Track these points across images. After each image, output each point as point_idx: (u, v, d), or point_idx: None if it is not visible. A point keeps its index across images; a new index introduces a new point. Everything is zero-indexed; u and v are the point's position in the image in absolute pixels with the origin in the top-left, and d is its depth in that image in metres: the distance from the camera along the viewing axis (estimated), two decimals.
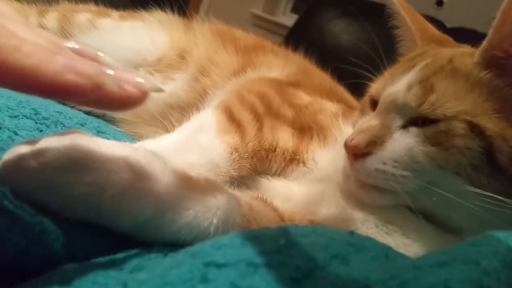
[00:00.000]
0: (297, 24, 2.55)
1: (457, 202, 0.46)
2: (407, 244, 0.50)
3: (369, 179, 0.51)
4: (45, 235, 0.30)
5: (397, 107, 0.52)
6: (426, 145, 0.48)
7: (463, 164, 0.47)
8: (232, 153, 0.54)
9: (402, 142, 0.50)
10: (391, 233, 0.51)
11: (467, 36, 0.68)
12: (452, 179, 0.47)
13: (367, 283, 0.24)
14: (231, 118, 0.59)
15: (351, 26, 2.36)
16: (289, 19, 3.28)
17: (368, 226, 0.52)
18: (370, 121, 0.54)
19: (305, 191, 0.59)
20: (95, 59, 0.33)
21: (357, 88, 0.88)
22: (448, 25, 1.67)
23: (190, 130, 0.56)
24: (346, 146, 0.52)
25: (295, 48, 0.97)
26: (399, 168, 0.49)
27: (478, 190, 0.46)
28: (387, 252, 0.35)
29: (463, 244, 0.32)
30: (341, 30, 2.37)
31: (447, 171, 0.47)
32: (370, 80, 0.66)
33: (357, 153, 0.51)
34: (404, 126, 0.51)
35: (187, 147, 0.49)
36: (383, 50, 0.76)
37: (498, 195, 0.45)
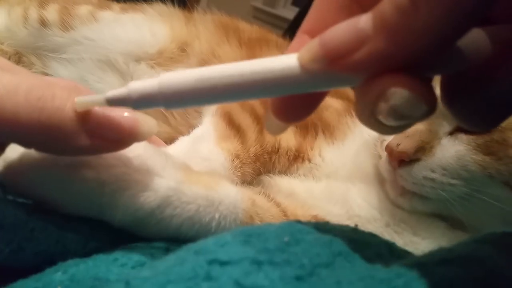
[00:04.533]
0: (297, 17, 2.53)
1: (499, 210, 0.46)
2: (415, 242, 0.49)
3: (414, 187, 0.49)
4: (37, 231, 0.30)
5: (445, 113, 0.49)
6: (478, 153, 0.47)
7: None
8: (233, 160, 0.52)
9: (452, 149, 0.48)
10: (400, 232, 0.50)
11: None
12: (499, 188, 0.46)
13: (373, 281, 0.24)
14: (231, 123, 0.57)
15: None
16: (289, 12, 3.27)
17: (376, 225, 0.51)
18: (415, 125, 0.51)
19: (309, 186, 0.58)
20: None
21: None
22: None
23: (191, 141, 0.54)
24: (391, 151, 0.50)
25: None
26: (448, 176, 0.47)
27: None
28: (390, 249, 0.35)
29: (468, 241, 0.32)
30: None
31: (496, 180, 0.46)
32: None
33: (405, 159, 0.49)
34: (451, 133, 0.50)
35: (188, 160, 0.48)
36: None
37: None
